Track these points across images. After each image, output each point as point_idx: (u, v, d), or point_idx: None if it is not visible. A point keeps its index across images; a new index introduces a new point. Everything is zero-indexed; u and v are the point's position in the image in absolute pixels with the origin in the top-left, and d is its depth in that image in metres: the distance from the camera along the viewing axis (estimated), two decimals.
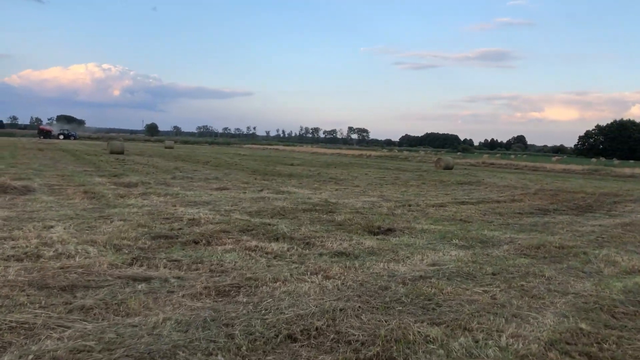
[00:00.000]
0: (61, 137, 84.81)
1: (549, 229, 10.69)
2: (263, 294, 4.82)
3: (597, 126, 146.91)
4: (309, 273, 5.74)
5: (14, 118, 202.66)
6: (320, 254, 6.86)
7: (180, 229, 8.15)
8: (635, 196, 20.48)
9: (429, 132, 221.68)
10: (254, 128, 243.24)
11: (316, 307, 4.48)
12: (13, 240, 6.45)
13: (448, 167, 37.96)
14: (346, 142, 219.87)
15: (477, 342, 4.00)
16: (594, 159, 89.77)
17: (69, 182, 14.84)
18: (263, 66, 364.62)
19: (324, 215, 10.69)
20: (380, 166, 38.63)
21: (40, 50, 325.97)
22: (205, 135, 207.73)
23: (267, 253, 6.69)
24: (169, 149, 58.55)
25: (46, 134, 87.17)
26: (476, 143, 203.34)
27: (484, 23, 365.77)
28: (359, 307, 4.57)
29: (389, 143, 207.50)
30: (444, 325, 4.30)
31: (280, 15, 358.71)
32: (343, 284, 5.39)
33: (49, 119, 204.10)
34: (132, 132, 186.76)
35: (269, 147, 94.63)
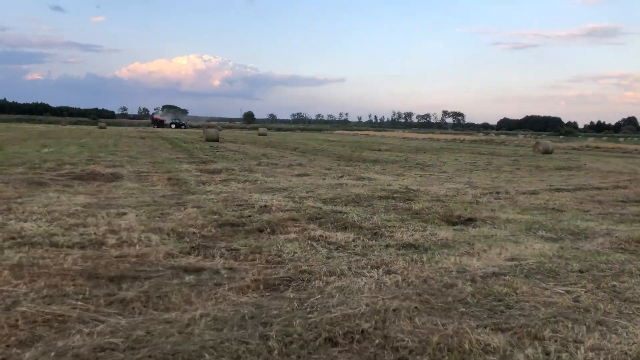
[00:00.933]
0: (173, 126, 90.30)
1: None
2: (313, 290, 4.53)
3: None
4: (369, 267, 5.38)
5: (124, 109, 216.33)
6: (387, 246, 6.46)
7: (249, 216, 8.05)
8: None
9: (530, 115, 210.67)
10: (346, 114, 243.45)
11: (367, 306, 4.12)
12: (84, 227, 6.61)
13: (547, 152, 35.67)
14: (440, 126, 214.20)
15: (547, 354, 3.46)
16: None
17: (158, 169, 15.38)
18: (355, 52, 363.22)
19: (401, 203, 10.22)
20: (473, 151, 37.08)
21: (146, 44, 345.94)
22: (299, 122, 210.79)
23: (330, 243, 6.40)
24: (262, 135, 59.94)
25: (159, 123, 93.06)
26: (581, 126, 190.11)
27: None
28: (416, 307, 4.15)
29: (485, 127, 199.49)
30: (510, 332, 3.79)
31: (371, 0, 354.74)
32: (404, 280, 4.98)
33: (155, 109, 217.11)
34: (230, 120, 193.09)
35: (360, 132, 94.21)
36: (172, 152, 24.59)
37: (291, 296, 4.31)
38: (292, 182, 13.02)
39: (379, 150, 33.85)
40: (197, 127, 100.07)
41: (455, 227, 8.17)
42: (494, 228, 8.16)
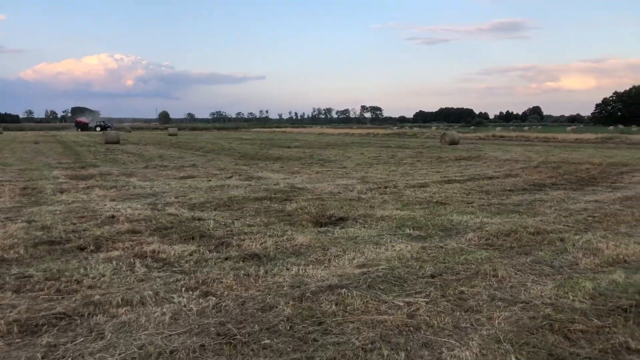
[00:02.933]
0: (98, 128, 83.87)
1: (534, 209, 9.34)
2: (84, 329, 3.61)
3: (615, 93, 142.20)
4: (184, 289, 4.51)
5: (30, 112, 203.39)
6: (227, 258, 5.62)
7: (85, 230, 6.97)
8: None
9: (444, 107, 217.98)
10: (267, 111, 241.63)
11: (140, 348, 3.26)
12: None
13: (454, 142, 36.34)
14: (359, 121, 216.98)
15: None
16: (611, 127, 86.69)
17: (21, 176, 13.77)
18: (275, 49, 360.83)
19: (276, 205, 9.45)
20: (383, 144, 37.16)
21: (53, 44, 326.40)
22: (218, 121, 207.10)
23: (157, 260, 5.48)
24: (172, 136, 57.69)
25: (84, 126, 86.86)
26: (492, 116, 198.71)
27: None
28: (202, 345, 3.33)
29: (402, 120, 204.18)
30: None
31: None
32: (218, 304, 4.16)
33: (63, 111, 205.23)
34: (146, 120, 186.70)
35: (277, 130, 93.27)
36: (57, 157, 22.61)
37: (45, 342, 3.37)
38: (169, 186, 11.93)
39: (288, 147, 33.08)
40: (139, 128, 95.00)
41: (321, 228, 7.48)
42: (363, 228, 7.56)
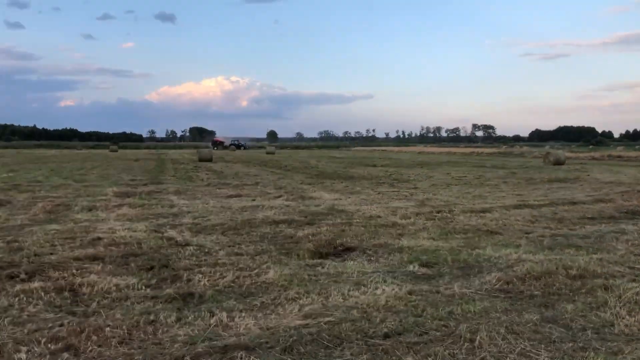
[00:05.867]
0: (232, 147, 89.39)
1: (603, 243, 7.52)
2: None
3: None
4: (45, 340, 3.60)
5: (152, 132, 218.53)
6: (154, 297, 4.67)
7: (50, 254, 6.38)
8: None
9: (562, 125, 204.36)
10: (373, 130, 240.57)
11: None
12: None
13: (559, 163, 33.06)
14: (470, 140, 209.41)
15: None
16: None
17: (75, 192, 13.84)
18: (383, 68, 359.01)
19: (291, 230, 8.40)
20: (479, 164, 34.67)
21: (174, 68, 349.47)
22: (326, 140, 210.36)
23: (74, 295, 4.67)
24: (269, 154, 58.68)
25: (219, 144, 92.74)
26: (616, 135, 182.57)
27: (619, 5, 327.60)
28: None
29: (517, 139, 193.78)
30: None
31: (397, 15, 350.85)
32: None
33: (182, 131, 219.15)
34: (258, 139, 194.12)
35: (378, 148, 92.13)
36: (138, 173, 23.13)
37: None
38: (203, 206, 11.27)
39: (374, 166, 31.87)
40: (260, 147, 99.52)
41: (317, 260, 6.35)
42: (367, 261, 6.33)
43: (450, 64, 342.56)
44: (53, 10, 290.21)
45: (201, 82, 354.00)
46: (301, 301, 4.59)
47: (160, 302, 4.50)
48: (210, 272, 5.47)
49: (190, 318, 4.12)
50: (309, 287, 5.05)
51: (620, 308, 4.49)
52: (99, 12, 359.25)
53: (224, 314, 4.19)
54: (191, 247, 6.78)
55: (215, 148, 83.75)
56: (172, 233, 7.94)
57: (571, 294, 4.97)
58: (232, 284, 5.09)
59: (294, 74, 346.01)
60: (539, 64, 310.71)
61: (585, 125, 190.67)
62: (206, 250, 6.71)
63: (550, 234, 8.51)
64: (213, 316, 4.17)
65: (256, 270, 5.65)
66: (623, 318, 4.19)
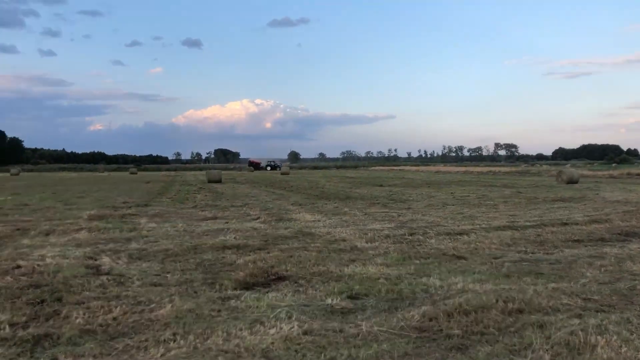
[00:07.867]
0: (268, 168, 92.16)
1: (572, 270, 6.83)
2: None
3: None
4: None
5: (178, 154, 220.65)
6: (4, 339, 4.13)
7: None
8: None
9: (586, 143, 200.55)
10: (395, 150, 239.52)
11: None
12: None
13: (572, 181, 31.96)
14: (493, 159, 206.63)
15: None
16: None
17: (51, 215, 13.54)
18: (404, 88, 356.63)
19: (235, 256, 7.87)
20: (488, 183, 33.64)
21: (200, 92, 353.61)
22: (348, 160, 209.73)
23: None
24: (284, 174, 58.46)
25: (255, 165, 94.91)
26: None
27: None
28: None
29: (540, 158, 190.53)
30: None
31: (418, 36, 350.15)
32: None
33: (207, 153, 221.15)
34: (280, 160, 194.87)
35: (395, 167, 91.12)
36: (137, 195, 22.85)
37: None
38: (164, 230, 10.78)
39: (380, 185, 31.16)
40: (300, 168, 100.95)
41: (238, 292, 5.84)
42: (294, 292, 5.84)
43: (473, 83, 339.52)
44: (84, 38, 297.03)
45: (226, 105, 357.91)
46: (172, 344, 4.02)
47: (9, 346, 3.97)
48: (98, 307, 4.93)
49: None
50: (197, 325, 4.48)
51: (545, 352, 3.82)
52: (128, 39, 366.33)
53: None
54: (105, 277, 6.26)
55: (252, 169, 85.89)
56: (105, 260, 7.46)
57: (497, 333, 4.31)
58: (112, 322, 4.54)
59: (316, 96, 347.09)
60: (562, 83, 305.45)
61: (610, 143, 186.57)
62: (122, 280, 6.18)
63: (519, 258, 7.82)
64: None
65: (153, 305, 5.10)
66: None
